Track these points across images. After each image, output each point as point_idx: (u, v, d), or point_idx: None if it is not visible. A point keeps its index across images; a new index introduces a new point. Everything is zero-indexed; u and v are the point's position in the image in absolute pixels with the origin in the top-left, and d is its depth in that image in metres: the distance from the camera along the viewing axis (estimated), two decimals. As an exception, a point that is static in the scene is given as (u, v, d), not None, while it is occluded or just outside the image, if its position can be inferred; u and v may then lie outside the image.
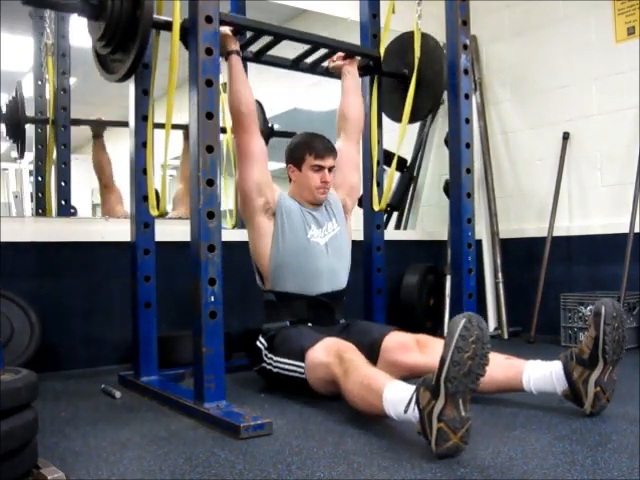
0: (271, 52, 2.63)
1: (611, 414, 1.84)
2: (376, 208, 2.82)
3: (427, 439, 1.48)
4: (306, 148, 2.41)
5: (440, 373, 1.47)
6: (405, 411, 1.54)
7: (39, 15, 3.53)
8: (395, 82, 2.89)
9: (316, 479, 1.38)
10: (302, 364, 2.06)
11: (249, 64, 3.49)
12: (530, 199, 3.80)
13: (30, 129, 3.50)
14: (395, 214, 4.21)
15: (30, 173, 3.62)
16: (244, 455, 1.55)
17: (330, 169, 2.42)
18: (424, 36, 2.75)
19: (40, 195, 3.53)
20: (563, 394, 1.85)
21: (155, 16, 2.11)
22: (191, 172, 1.95)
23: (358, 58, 2.72)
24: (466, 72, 2.48)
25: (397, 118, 2.82)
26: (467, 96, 2.48)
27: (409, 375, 2.03)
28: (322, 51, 2.69)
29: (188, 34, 1.99)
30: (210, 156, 1.91)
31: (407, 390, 1.57)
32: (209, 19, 1.93)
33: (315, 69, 2.80)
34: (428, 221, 4.28)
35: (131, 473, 1.45)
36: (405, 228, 4.23)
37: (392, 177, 2.86)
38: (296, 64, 2.73)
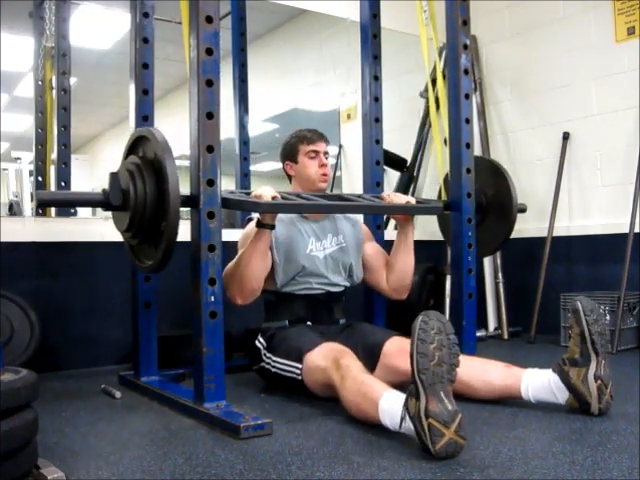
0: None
1: (611, 414, 1.84)
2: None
3: (425, 444, 1.48)
4: (298, 139, 2.42)
5: (412, 369, 1.50)
6: (400, 426, 1.56)
7: (39, 15, 3.53)
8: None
9: (316, 479, 1.38)
10: (299, 365, 2.06)
11: (250, 62, 3.49)
12: (530, 199, 3.78)
13: (30, 129, 3.50)
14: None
15: (30, 173, 3.62)
16: (244, 455, 1.55)
17: (325, 155, 2.41)
18: (490, 164, 2.60)
19: (40, 195, 3.52)
20: (567, 403, 1.84)
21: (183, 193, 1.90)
22: (191, 172, 1.95)
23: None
24: (466, 72, 2.48)
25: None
26: (467, 96, 2.48)
27: (408, 380, 2.03)
28: None
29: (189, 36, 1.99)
30: (210, 156, 1.91)
31: (402, 402, 1.57)
32: (209, 19, 1.93)
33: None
34: (428, 221, 4.28)
35: (131, 473, 1.45)
36: (405, 228, 4.23)
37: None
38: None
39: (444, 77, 3.71)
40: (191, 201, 1.93)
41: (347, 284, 2.46)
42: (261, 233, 2.16)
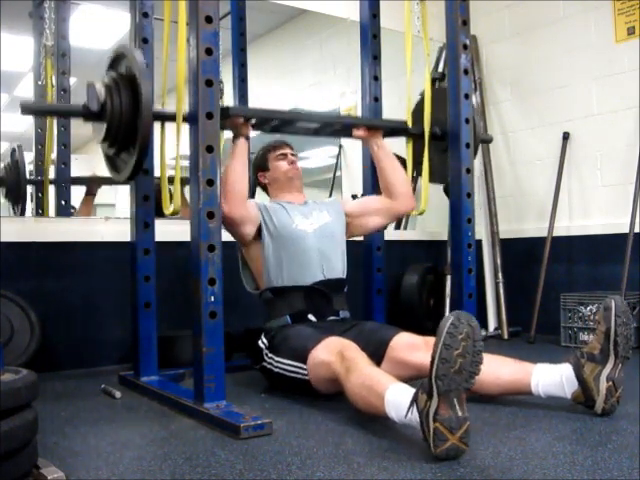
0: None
1: (611, 414, 1.83)
2: (414, 213, 2.75)
3: (427, 442, 1.47)
4: (265, 150, 2.59)
5: (431, 371, 1.47)
6: (406, 415, 1.54)
7: (39, 15, 3.53)
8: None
9: (316, 479, 1.38)
10: (304, 365, 2.06)
11: (250, 62, 3.49)
12: (530, 199, 3.80)
13: (30, 129, 3.50)
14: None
15: (30, 173, 3.62)
16: (244, 455, 1.55)
17: (293, 155, 2.55)
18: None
19: (40, 195, 3.52)
20: (573, 397, 1.84)
21: (159, 109, 2.16)
22: (191, 172, 1.95)
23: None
24: (466, 72, 2.47)
25: (435, 179, 2.74)
26: (467, 96, 2.48)
27: (416, 374, 2.03)
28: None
29: (188, 38, 1.99)
30: (210, 156, 1.91)
31: (408, 394, 1.57)
32: (209, 19, 1.93)
33: (338, 135, 2.75)
34: (428, 221, 4.28)
35: (131, 473, 1.45)
36: (405, 228, 4.23)
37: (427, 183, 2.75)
38: (318, 133, 2.66)
39: (435, 80, 3.74)
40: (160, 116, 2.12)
41: (344, 265, 2.49)
42: (237, 142, 2.30)
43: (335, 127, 2.67)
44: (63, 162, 3.42)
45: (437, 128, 2.62)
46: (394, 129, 2.69)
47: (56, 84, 3.42)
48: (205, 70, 1.92)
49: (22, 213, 3.37)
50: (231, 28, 3.62)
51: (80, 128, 3.70)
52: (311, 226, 2.45)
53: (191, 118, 1.96)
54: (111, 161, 2.22)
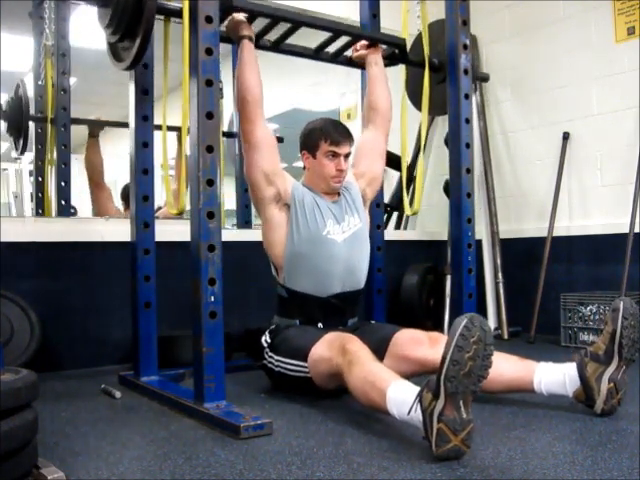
0: (290, 41, 2.51)
1: (611, 414, 1.83)
2: (408, 212, 2.74)
3: (429, 441, 1.47)
4: (321, 134, 2.32)
5: (440, 372, 1.46)
6: (408, 413, 1.54)
7: (39, 15, 3.53)
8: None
9: (316, 479, 1.38)
10: (304, 364, 2.05)
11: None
12: (530, 199, 3.80)
13: (30, 129, 3.51)
14: (395, 214, 4.21)
15: (30, 173, 3.62)
16: (244, 455, 1.55)
17: (346, 156, 2.34)
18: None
19: (40, 195, 3.53)
20: (574, 395, 1.84)
21: (164, 1, 2.13)
22: (191, 172, 1.95)
23: (383, 46, 2.62)
24: (466, 72, 2.48)
25: (431, 111, 2.71)
26: (467, 96, 2.48)
27: (419, 369, 2.03)
28: (344, 39, 2.58)
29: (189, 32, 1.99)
30: (210, 156, 1.91)
31: (411, 392, 1.56)
32: (209, 19, 1.93)
33: (337, 58, 2.69)
34: (428, 221, 4.28)
35: (131, 473, 1.45)
36: (405, 228, 4.24)
37: (421, 181, 2.78)
38: (317, 53, 2.63)
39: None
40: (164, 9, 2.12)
41: (366, 271, 2.42)
42: (242, 45, 2.21)
43: (338, 38, 2.56)
44: (63, 162, 3.43)
45: (435, 59, 2.67)
46: (394, 56, 2.69)
47: (56, 84, 3.43)
48: (205, 70, 1.92)
49: (23, 150, 3.41)
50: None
51: (80, 128, 3.71)
52: (342, 235, 2.31)
53: (191, 118, 1.96)
54: (114, 49, 2.24)
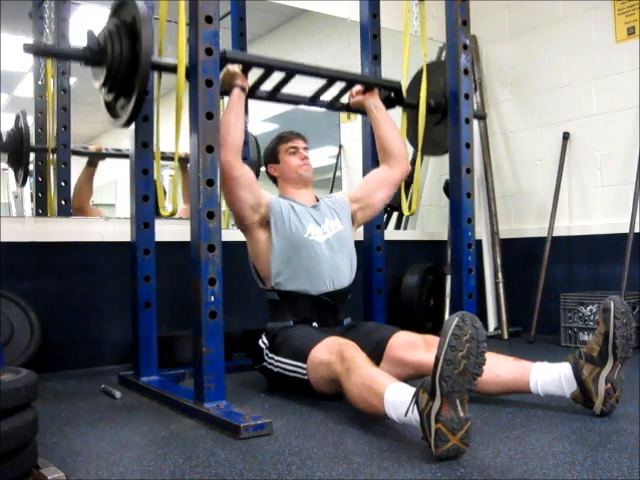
0: (289, 84, 2.55)
1: (611, 414, 1.83)
2: (406, 213, 2.82)
3: (427, 441, 1.47)
4: (277, 141, 2.52)
5: (435, 372, 1.47)
6: (405, 414, 1.54)
7: (39, 15, 3.53)
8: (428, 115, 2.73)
9: (316, 479, 1.38)
10: (304, 365, 2.06)
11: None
12: (530, 199, 3.81)
13: (30, 129, 3.50)
14: (395, 214, 4.21)
15: (30, 173, 3.62)
16: (244, 455, 1.55)
17: (305, 150, 2.49)
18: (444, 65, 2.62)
19: (40, 195, 3.52)
20: (572, 397, 1.84)
21: (157, 59, 2.17)
22: (191, 172, 1.95)
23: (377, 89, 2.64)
24: (466, 72, 2.48)
25: (428, 151, 2.78)
26: (467, 96, 2.48)
27: (414, 373, 2.04)
28: (340, 85, 2.62)
29: (188, 37, 2.00)
30: (210, 156, 1.91)
31: (408, 393, 1.57)
32: (209, 19, 1.93)
33: (335, 105, 2.72)
34: (428, 221, 4.28)
35: (131, 473, 1.45)
36: (405, 228, 4.23)
37: (419, 182, 2.84)
38: (313, 101, 2.67)
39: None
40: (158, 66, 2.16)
41: (352, 273, 2.46)
42: (232, 93, 2.28)
43: (333, 85, 2.61)
44: (63, 162, 3.42)
45: (432, 100, 2.68)
46: (391, 99, 2.70)
47: (56, 84, 3.42)
48: (205, 70, 1.92)
49: (24, 181, 3.39)
50: (231, 28, 3.61)
51: (80, 128, 3.70)
52: (324, 236, 2.40)
53: (191, 118, 1.96)
54: (110, 107, 2.24)
